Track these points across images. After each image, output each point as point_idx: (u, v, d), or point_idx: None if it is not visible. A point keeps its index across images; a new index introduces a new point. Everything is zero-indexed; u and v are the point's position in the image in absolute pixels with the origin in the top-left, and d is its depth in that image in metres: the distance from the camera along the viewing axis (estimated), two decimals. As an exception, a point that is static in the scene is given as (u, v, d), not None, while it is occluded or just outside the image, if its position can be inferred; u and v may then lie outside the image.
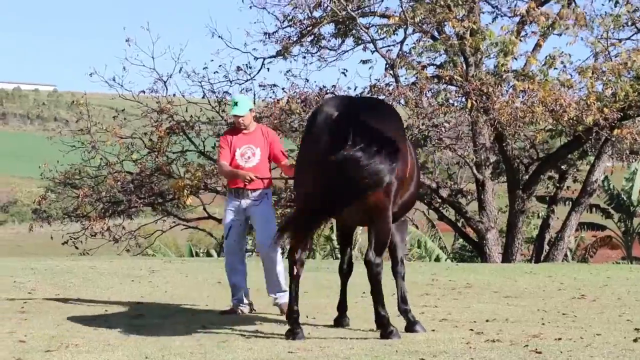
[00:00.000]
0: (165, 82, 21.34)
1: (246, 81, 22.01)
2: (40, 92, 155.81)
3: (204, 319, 8.56)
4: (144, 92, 21.42)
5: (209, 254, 27.49)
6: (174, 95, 21.74)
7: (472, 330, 8.03)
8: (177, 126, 21.07)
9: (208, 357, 6.60)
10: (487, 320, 8.68)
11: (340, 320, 8.35)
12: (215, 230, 28.57)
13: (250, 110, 9.28)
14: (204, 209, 22.56)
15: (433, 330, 7.99)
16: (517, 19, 22.02)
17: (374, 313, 7.70)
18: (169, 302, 10.06)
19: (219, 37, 22.07)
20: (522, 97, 20.34)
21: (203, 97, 21.63)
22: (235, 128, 9.35)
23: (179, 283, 12.13)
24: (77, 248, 20.58)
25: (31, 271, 13.38)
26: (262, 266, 9.24)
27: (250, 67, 22.12)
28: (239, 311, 9.20)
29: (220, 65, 22.32)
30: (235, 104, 9.26)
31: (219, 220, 23.01)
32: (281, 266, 9.15)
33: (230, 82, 21.72)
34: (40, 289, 11.10)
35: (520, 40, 21.37)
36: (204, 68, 21.51)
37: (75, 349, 6.90)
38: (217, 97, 21.35)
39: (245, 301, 9.29)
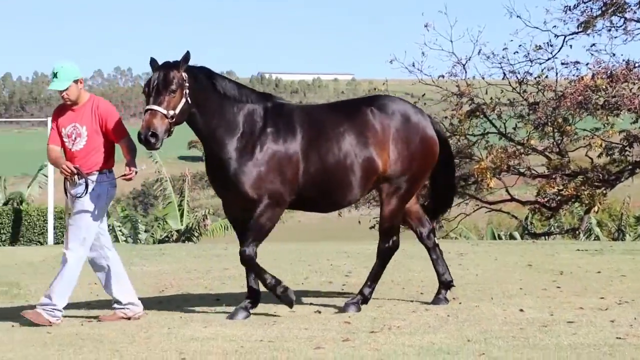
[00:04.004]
0: (464, 65, 21.41)
1: (547, 60, 21.46)
2: (339, 81, 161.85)
3: (520, 303, 8.43)
4: (443, 76, 21.63)
5: (512, 237, 27.13)
6: (474, 77, 21.72)
7: None
8: (477, 109, 21.04)
9: (531, 342, 6.50)
10: None
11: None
12: (517, 211, 28.18)
13: (77, 81, 7.66)
14: (507, 191, 22.33)
15: None
16: None
17: None
18: (482, 285, 10.02)
19: (517, 16, 21.70)
20: None
21: (503, 78, 21.40)
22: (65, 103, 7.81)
23: (488, 266, 12.08)
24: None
25: (344, 254, 13.93)
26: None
27: (551, 45, 21.54)
28: (121, 314, 7.82)
29: (520, 45, 21.97)
30: (55, 75, 7.64)
31: (523, 203, 22.71)
32: (66, 277, 7.68)
33: (531, 61, 21.28)
34: (355, 272, 11.50)
35: None
36: (503, 49, 21.32)
37: (397, 330, 7.07)
38: (517, 77, 21.04)
39: (124, 302, 7.83)
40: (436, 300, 8.48)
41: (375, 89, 23.01)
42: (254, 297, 7.96)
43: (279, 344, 6.55)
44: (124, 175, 7.53)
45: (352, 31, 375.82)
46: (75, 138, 7.65)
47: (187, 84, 7.48)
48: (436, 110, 22.50)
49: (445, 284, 8.58)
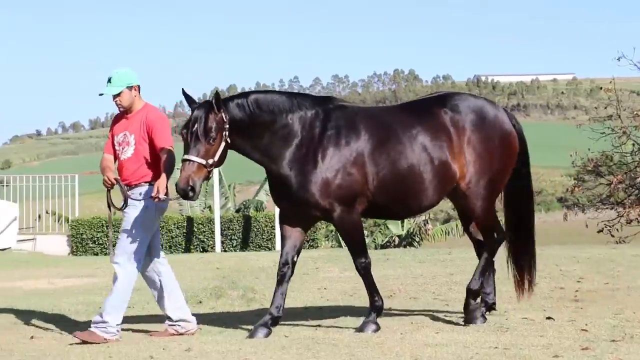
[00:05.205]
0: (700, 59, 20.22)
1: None
2: (559, 82, 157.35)
3: None
4: (676, 71, 20.56)
5: None
6: None
7: None
8: None
9: None
10: None
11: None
12: None
13: (131, 87, 7.48)
14: None
15: None
16: None
17: None
18: None
19: None
20: None
21: None
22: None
23: None
24: (612, 236, 20.25)
25: (574, 259, 13.47)
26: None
27: None
28: (172, 331, 7.63)
29: None
30: (109, 81, 7.51)
31: None
32: (118, 293, 7.38)
33: None
34: (587, 278, 11.11)
35: None
36: None
37: (640, 339, 6.77)
38: None
39: (175, 319, 7.65)
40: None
41: (601, 88, 22.25)
42: (488, 303, 8.01)
43: (514, 351, 6.43)
44: (151, 196, 7.30)
45: (574, 29, 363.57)
46: (124, 147, 7.53)
47: (226, 126, 7.11)
48: (667, 108, 21.39)
49: (488, 304, 8.10)
